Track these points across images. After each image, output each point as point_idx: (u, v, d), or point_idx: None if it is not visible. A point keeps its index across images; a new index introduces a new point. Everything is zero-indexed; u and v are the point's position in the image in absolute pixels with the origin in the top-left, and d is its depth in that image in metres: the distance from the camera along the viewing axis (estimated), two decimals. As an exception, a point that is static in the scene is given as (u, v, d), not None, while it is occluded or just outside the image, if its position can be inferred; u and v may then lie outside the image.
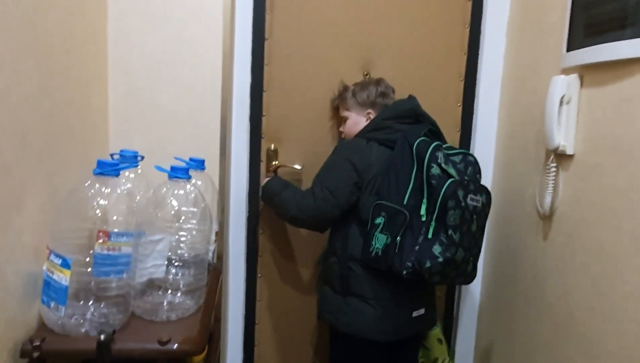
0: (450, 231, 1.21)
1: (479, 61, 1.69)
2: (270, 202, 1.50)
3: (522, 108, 1.54)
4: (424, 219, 1.24)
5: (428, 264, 1.21)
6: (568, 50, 1.25)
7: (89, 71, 1.25)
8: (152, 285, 1.09)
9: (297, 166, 1.68)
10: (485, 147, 1.72)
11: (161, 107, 1.37)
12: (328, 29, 1.65)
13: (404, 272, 1.23)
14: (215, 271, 1.37)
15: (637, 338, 0.99)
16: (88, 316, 0.95)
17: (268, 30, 1.62)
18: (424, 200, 1.25)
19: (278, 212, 1.48)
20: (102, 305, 0.97)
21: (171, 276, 1.12)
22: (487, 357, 1.72)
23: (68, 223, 0.96)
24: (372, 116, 1.47)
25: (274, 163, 1.68)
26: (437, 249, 1.21)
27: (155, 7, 1.36)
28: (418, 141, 1.30)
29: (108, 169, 0.91)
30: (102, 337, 0.87)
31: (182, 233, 1.15)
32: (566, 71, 1.27)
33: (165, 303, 1.06)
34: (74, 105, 1.15)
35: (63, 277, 0.89)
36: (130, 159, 1.11)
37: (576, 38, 1.23)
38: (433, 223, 1.22)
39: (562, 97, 1.23)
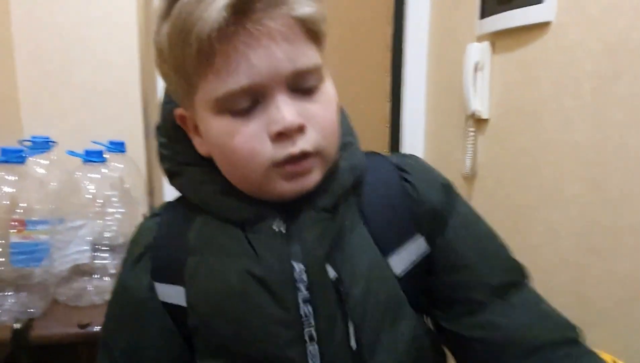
0: None
1: (404, 30, 1.70)
2: None
3: (445, 76, 1.58)
4: None
5: None
6: (481, 17, 1.29)
7: (-7, 55, 1.18)
8: (78, 271, 1.07)
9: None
10: (415, 116, 1.76)
11: (77, 89, 1.30)
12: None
13: None
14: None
15: (546, 287, 1.06)
16: (6, 307, 0.93)
17: None
18: None
19: None
20: (20, 294, 0.95)
21: (98, 261, 1.11)
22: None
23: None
24: None
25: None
26: None
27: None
28: None
29: (11, 156, 0.88)
30: (18, 325, 0.85)
31: (107, 217, 1.13)
32: (480, 38, 1.31)
33: (91, 287, 1.05)
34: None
35: (-30, 271, 0.86)
36: (40, 144, 1.07)
37: (489, 6, 1.26)
38: None
39: (477, 64, 1.28)
